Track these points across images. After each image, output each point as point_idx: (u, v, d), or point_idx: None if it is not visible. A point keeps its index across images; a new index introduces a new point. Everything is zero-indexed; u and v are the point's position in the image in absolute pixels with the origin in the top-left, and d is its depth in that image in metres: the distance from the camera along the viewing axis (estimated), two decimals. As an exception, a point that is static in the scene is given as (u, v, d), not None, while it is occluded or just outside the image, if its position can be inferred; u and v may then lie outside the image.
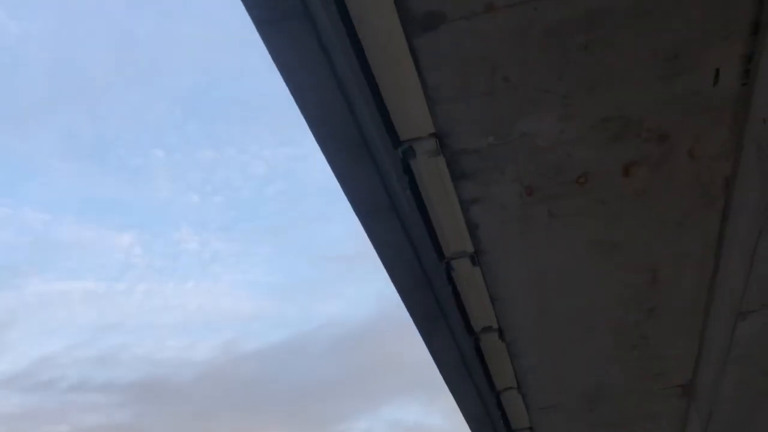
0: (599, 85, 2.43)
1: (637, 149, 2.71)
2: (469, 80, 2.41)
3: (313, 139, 2.37)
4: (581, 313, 3.64)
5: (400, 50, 2.29)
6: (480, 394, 4.12)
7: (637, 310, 3.66)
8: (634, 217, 3.03)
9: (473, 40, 2.28)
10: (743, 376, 3.76)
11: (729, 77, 2.43)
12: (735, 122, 2.61)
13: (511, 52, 2.33)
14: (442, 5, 2.18)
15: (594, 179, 2.83)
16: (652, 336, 3.91)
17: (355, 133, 2.29)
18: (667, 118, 2.59)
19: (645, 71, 2.40)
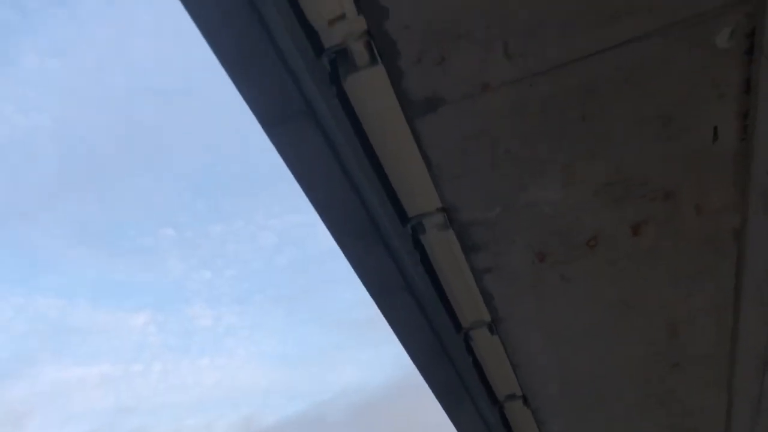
0: (599, 151, 2.48)
1: (644, 209, 2.73)
2: (471, 156, 2.46)
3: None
4: (605, 373, 3.59)
5: (402, 133, 2.35)
6: (509, 463, 4.02)
7: (661, 366, 3.61)
8: (648, 275, 3.02)
9: (472, 119, 2.34)
10: (777, 426, 3.67)
11: (728, 134, 2.47)
12: (738, 175, 2.63)
13: (510, 127, 2.39)
14: (440, 89, 2.25)
15: (604, 241, 2.84)
16: (679, 391, 3.84)
17: (364, 217, 2.33)
18: (670, 176, 2.62)
19: (643, 135, 2.45)
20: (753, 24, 2.12)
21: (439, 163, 2.46)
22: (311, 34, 2.03)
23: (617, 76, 2.24)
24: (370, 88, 2.22)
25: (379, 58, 2.16)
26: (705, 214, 2.78)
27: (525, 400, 3.64)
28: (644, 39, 2.15)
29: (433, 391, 3.24)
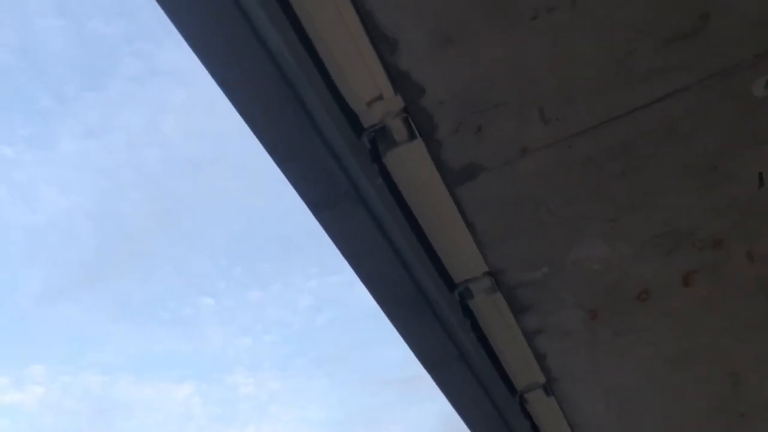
0: (643, 205, 2.47)
1: (694, 258, 2.69)
2: (514, 219, 2.47)
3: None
4: (668, 429, 3.48)
5: (444, 202, 2.38)
6: None
7: (727, 417, 3.49)
8: (704, 326, 2.96)
9: (513, 183, 2.37)
10: None
11: (772, 178, 2.44)
12: (787, 218, 2.59)
13: (551, 188, 2.40)
14: (478, 157, 2.29)
15: (655, 294, 2.80)
16: (748, 441, 3.69)
17: (412, 288, 2.34)
18: (717, 225, 2.59)
19: (686, 186, 2.43)
20: (788, 71, 2.12)
21: (482, 228, 2.47)
22: (351, 117, 2.10)
23: (656, 131, 2.25)
24: (411, 162, 2.26)
25: (417, 133, 2.21)
26: (757, 260, 2.73)
27: (587, 461, 3.53)
28: (679, 94, 2.17)
29: (492, 458, 3.17)
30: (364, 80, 2.05)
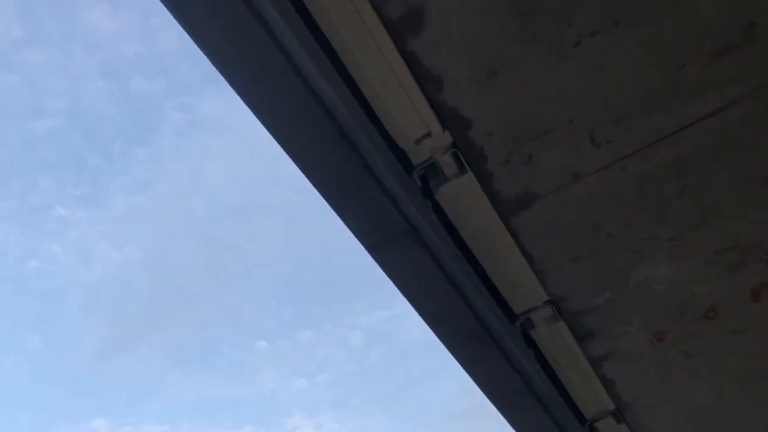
0: (705, 221, 2.41)
1: (761, 272, 2.61)
2: (572, 245, 2.44)
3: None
4: (748, 451, 3.34)
5: (499, 233, 2.37)
6: None
7: (808, 434, 3.33)
8: (778, 340, 2.85)
9: (568, 209, 2.34)
10: None
11: (836, 184, 2.37)
12: None
13: (608, 211, 2.36)
14: (531, 185, 2.27)
15: (723, 311, 2.72)
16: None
17: (473, 322, 2.32)
18: (783, 235, 2.51)
19: (748, 198, 2.37)
20: (844, 74, 2.07)
21: (540, 256, 2.45)
22: (401, 155, 2.11)
23: (711, 145, 2.21)
24: (463, 196, 2.26)
25: (467, 167, 2.21)
26: (828, 268, 2.63)
27: (665, 488, 3.41)
28: (732, 106, 2.13)
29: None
30: (412, 120, 2.07)
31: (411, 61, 1.98)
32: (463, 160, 2.20)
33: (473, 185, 2.26)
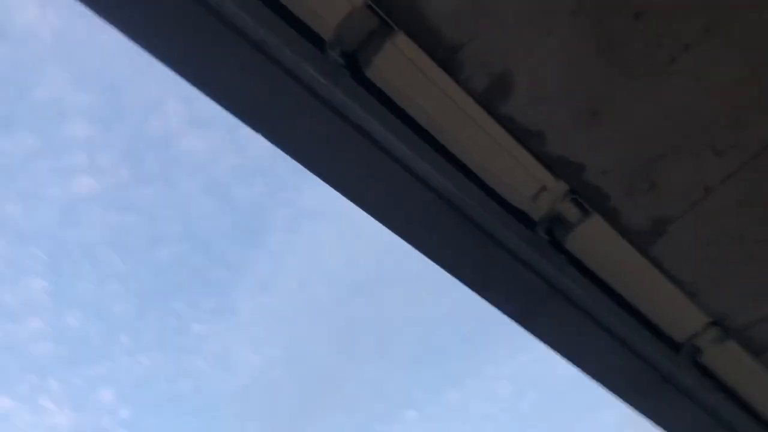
0: None
1: None
2: (721, 259, 2.31)
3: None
4: None
5: (641, 266, 2.28)
6: None
7: None
8: None
9: (706, 225, 2.23)
10: None
11: None
12: None
13: (749, 217, 2.23)
14: (661, 210, 2.19)
15: None
16: None
17: (640, 366, 2.21)
18: None
19: None
20: None
21: (690, 279, 2.33)
22: (521, 216, 2.09)
23: None
24: (594, 238, 2.20)
25: (590, 209, 2.16)
26: None
27: None
28: None
29: None
30: (523, 179, 2.06)
31: (508, 123, 1.99)
32: (585, 204, 2.16)
33: (602, 225, 2.20)
